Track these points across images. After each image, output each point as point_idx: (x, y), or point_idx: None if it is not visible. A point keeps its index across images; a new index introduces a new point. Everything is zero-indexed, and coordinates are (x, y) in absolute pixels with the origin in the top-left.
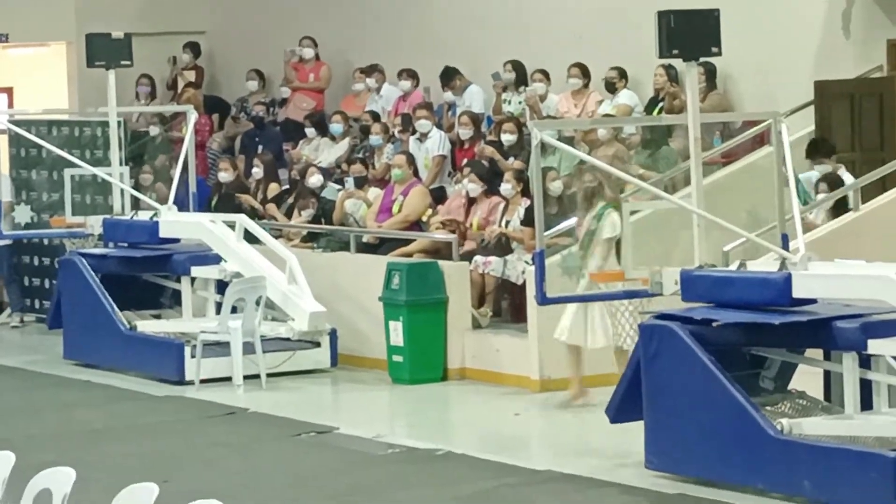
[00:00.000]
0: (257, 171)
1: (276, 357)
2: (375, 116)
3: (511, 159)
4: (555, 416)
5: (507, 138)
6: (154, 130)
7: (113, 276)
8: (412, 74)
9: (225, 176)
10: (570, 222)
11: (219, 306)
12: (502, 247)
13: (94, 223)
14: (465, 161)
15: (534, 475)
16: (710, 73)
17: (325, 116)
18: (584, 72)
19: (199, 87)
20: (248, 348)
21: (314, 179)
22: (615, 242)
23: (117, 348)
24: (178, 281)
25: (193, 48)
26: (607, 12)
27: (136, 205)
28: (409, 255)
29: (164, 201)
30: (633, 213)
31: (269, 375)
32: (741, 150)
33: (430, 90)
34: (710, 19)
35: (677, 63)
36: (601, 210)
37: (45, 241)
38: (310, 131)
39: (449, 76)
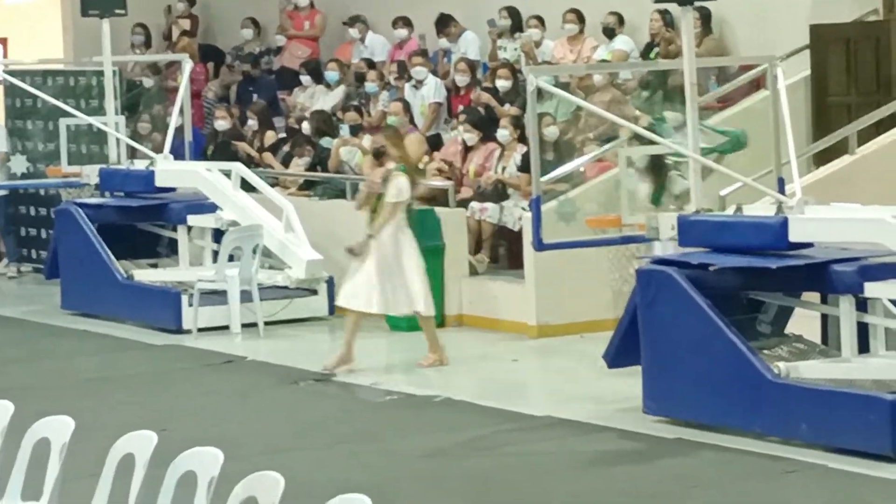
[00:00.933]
0: (252, 123)
1: (274, 305)
2: (370, 64)
3: (507, 105)
4: (552, 362)
5: (502, 84)
6: (148, 82)
7: (109, 225)
8: (407, 22)
9: (221, 124)
10: (567, 168)
11: (216, 255)
12: (499, 193)
13: (91, 173)
14: (460, 108)
15: (532, 421)
16: (706, 18)
17: (320, 64)
18: (580, 17)
19: (193, 36)
20: (246, 296)
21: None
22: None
23: (115, 298)
24: (175, 230)
25: None
26: None
27: (132, 154)
28: None
29: (159, 150)
30: (629, 158)
31: (266, 323)
32: (737, 95)
33: (425, 37)
34: None
35: (672, 8)
36: (391, 171)
37: (42, 191)
38: (305, 79)
39: (444, 23)
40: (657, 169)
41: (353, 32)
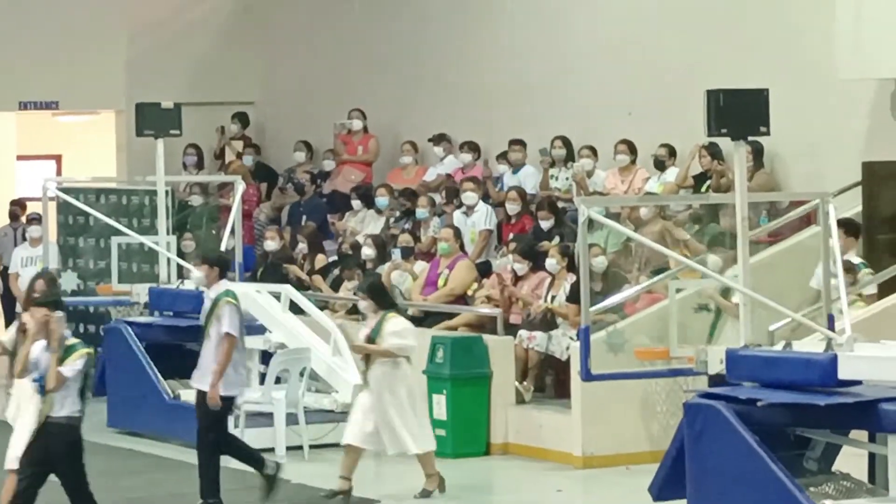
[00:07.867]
0: (302, 247)
1: (320, 429)
2: (413, 192)
3: (556, 238)
4: (597, 493)
5: (545, 224)
6: (196, 200)
7: (158, 344)
8: (473, 147)
9: (271, 245)
10: (616, 298)
11: (263, 376)
12: (547, 322)
13: (140, 291)
14: (511, 235)
15: None
16: (758, 152)
17: (371, 188)
18: (632, 148)
19: None
20: (292, 419)
21: (368, 251)
22: None
23: (161, 417)
24: None
25: (242, 118)
26: (657, 89)
27: (182, 273)
28: (454, 328)
29: None
30: (678, 290)
31: (312, 447)
32: (788, 230)
33: (488, 163)
34: (759, 98)
35: (723, 141)
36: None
37: (91, 309)
38: (356, 203)
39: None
40: None
41: (438, 150)
